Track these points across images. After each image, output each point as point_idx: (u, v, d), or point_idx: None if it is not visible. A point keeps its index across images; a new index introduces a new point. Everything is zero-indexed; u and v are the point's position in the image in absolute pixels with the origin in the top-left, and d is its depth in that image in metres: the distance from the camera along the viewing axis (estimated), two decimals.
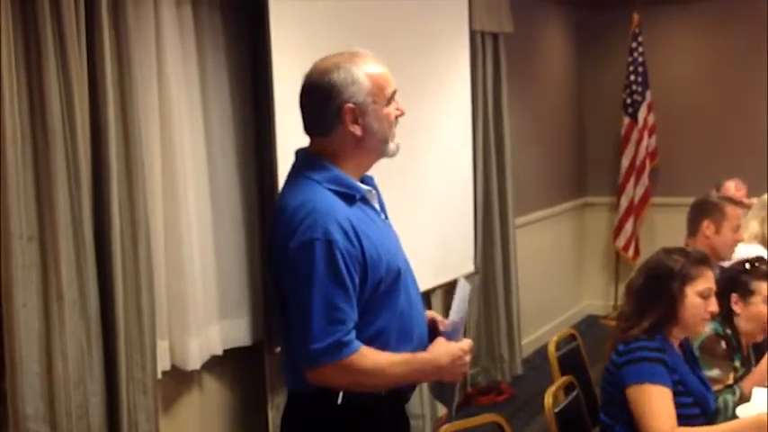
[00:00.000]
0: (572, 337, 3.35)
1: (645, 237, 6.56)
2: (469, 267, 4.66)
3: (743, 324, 2.87)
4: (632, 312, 2.55)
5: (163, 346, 3.03)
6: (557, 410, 2.63)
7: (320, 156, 1.98)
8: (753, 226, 3.72)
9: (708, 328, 2.75)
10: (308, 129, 2.02)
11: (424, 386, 4.14)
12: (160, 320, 2.99)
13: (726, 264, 3.30)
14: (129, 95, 2.75)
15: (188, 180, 3.07)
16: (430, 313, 2.22)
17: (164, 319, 3.04)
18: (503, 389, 5.07)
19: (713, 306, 2.54)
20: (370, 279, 1.92)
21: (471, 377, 4.95)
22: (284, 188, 2.02)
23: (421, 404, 4.12)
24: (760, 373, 2.76)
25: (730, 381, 2.81)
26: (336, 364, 1.86)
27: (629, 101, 6.38)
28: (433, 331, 2.15)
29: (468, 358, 2.03)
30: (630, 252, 6.54)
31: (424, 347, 2.05)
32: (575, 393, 2.84)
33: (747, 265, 2.90)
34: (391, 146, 2.02)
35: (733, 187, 4.91)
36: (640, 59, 6.30)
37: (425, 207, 4.16)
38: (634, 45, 6.30)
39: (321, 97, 1.94)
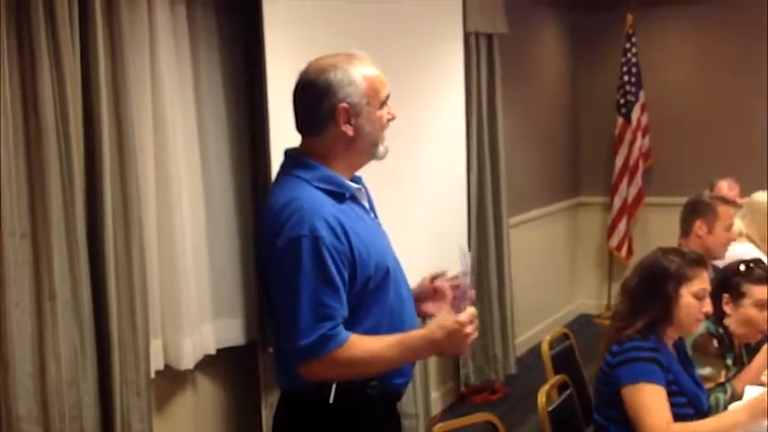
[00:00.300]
0: (565, 336, 3.36)
1: (638, 236, 6.58)
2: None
3: (733, 325, 2.88)
4: (627, 312, 2.55)
5: (156, 346, 3.03)
6: (550, 409, 2.63)
7: (310, 155, 1.99)
8: (737, 223, 3.73)
9: (700, 327, 2.76)
10: (301, 127, 2.02)
11: (418, 386, 4.15)
12: (153, 320, 2.98)
13: (719, 263, 3.32)
14: (122, 95, 2.75)
15: (181, 180, 3.07)
16: (427, 281, 2.24)
17: (157, 319, 3.04)
18: (496, 388, 5.08)
19: (707, 307, 2.55)
20: (359, 276, 1.93)
21: (464, 376, 4.95)
22: (272, 187, 2.03)
23: (415, 403, 4.12)
24: (752, 372, 2.77)
25: (722, 379, 2.82)
26: (324, 358, 1.87)
27: (622, 101, 6.40)
28: (425, 298, 2.19)
29: (469, 329, 1.93)
30: (624, 252, 6.55)
31: None
32: (568, 392, 2.85)
33: (742, 267, 2.90)
34: (381, 148, 2.03)
35: (726, 187, 4.93)
36: (634, 60, 6.32)
37: (419, 207, 4.16)
38: (627, 46, 6.32)
39: (316, 95, 1.95)
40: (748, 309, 2.84)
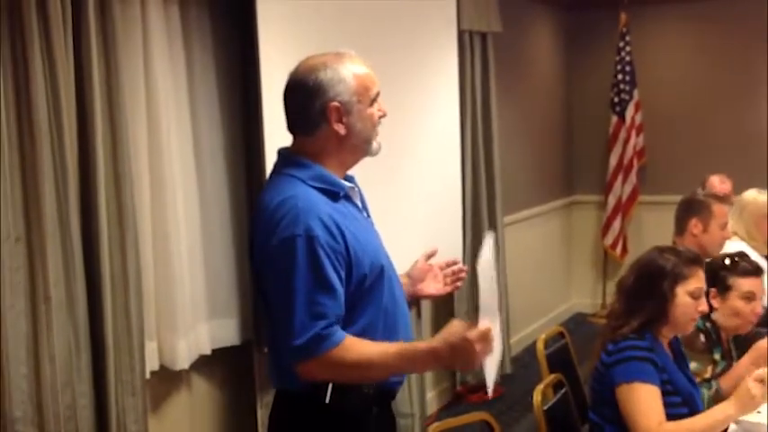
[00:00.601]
0: (560, 335, 3.37)
1: (633, 235, 6.59)
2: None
3: (721, 319, 2.89)
4: (622, 311, 2.55)
5: (151, 347, 3.02)
6: (545, 408, 2.63)
7: (303, 154, 1.99)
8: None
9: None
10: (292, 127, 2.02)
11: (414, 385, 4.15)
12: (148, 320, 2.98)
13: None
14: (116, 96, 2.74)
15: (176, 180, 3.07)
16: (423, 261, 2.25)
17: (152, 320, 3.04)
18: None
19: (703, 306, 2.54)
20: (354, 275, 1.93)
21: (460, 375, 4.96)
22: (266, 186, 2.02)
23: (410, 403, 4.12)
24: (738, 372, 2.77)
25: (708, 375, 2.83)
26: (319, 358, 1.86)
27: (616, 100, 6.41)
28: (422, 279, 2.20)
29: (478, 347, 1.80)
30: (618, 250, 6.57)
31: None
32: (563, 391, 2.85)
33: (727, 261, 2.92)
34: (374, 145, 2.03)
35: (717, 181, 4.94)
36: (628, 58, 6.33)
37: (414, 206, 4.16)
38: (621, 44, 6.33)
39: (306, 95, 1.95)
40: (735, 301, 2.86)
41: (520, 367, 5.41)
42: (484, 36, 4.94)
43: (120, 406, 2.77)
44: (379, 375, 1.98)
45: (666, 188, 6.14)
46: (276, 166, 2.04)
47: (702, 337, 2.87)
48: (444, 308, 4.82)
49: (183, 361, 3.11)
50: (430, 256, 2.29)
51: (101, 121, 2.69)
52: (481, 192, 4.96)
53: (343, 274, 1.90)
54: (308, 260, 1.85)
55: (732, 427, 2.45)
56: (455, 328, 1.86)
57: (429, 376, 4.63)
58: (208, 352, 3.27)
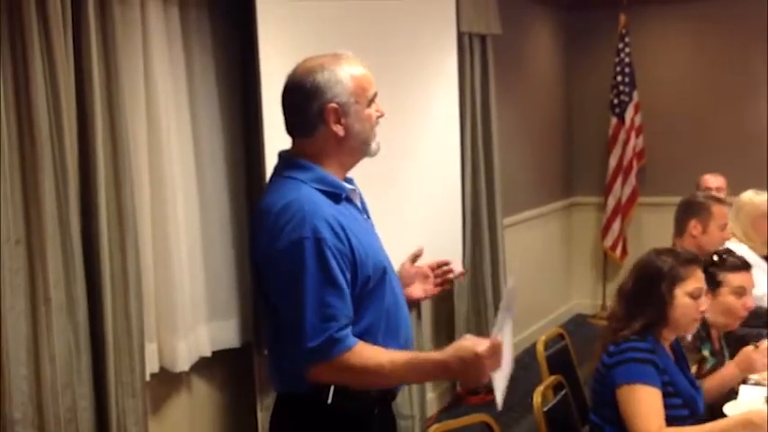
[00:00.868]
0: (560, 337, 3.37)
1: (632, 236, 6.59)
2: (458, 268, 4.66)
3: (710, 316, 2.88)
4: (623, 314, 2.54)
5: (151, 349, 3.02)
6: (545, 409, 2.63)
7: (303, 156, 1.99)
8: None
9: None
10: (291, 129, 2.03)
11: (414, 387, 4.15)
12: (148, 322, 2.98)
13: None
14: (116, 98, 2.74)
15: (176, 182, 3.07)
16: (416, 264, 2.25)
17: (152, 321, 3.04)
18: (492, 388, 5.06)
19: (704, 306, 2.54)
20: (359, 276, 1.93)
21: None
22: (267, 190, 2.02)
23: (410, 404, 4.12)
24: (722, 378, 2.76)
25: (692, 372, 2.83)
26: (331, 362, 1.86)
27: (616, 101, 6.41)
28: (410, 282, 2.20)
29: (488, 362, 1.82)
30: (618, 252, 6.57)
31: (409, 344, 2.07)
32: (563, 392, 2.85)
33: (716, 257, 2.92)
34: (373, 146, 2.04)
35: (711, 180, 4.94)
36: (627, 60, 6.34)
37: (414, 208, 4.16)
38: (621, 46, 6.33)
39: (304, 97, 1.95)
40: (726, 297, 2.87)
41: (520, 368, 5.33)
42: (483, 38, 4.94)
43: (120, 408, 2.77)
44: (386, 383, 1.98)
45: (666, 189, 6.14)
46: (277, 168, 2.05)
47: (689, 336, 2.87)
48: (444, 308, 4.82)
49: (183, 363, 3.11)
50: (416, 257, 2.28)
51: (101, 123, 2.70)
52: (481, 193, 4.96)
53: (348, 275, 1.91)
54: (317, 262, 1.85)
55: None
56: (466, 342, 1.86)
57: None
58: (208, 354, 3.27)
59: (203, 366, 3.29)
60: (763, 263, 3.81)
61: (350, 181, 2.09)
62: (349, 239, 1.91)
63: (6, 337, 2.44)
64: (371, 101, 2.01)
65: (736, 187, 4.78)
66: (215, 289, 3.33)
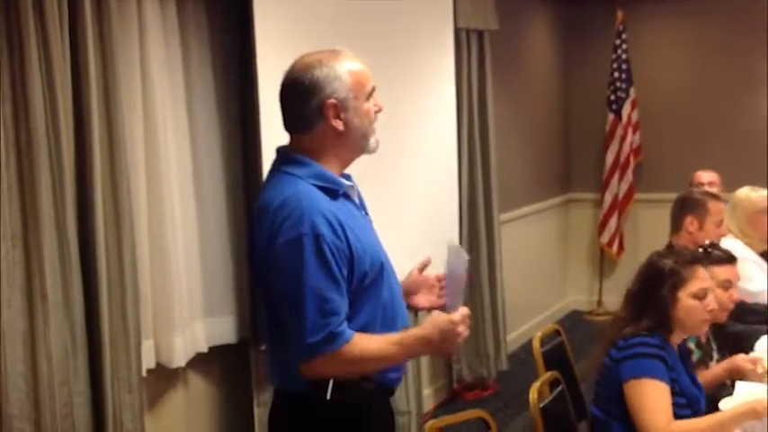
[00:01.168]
0: (556, 333, 3.37)
1: (629, 233, 6.60)
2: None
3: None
4: (628, 316, 2.50)
5: (148, 345, 3.02)
6: (542, 405, 2.64)
7: (301, 152, 2.00)
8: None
9: None
10: (289, 125, 2.03)
11: (411, 383, 4.15)
12: (145, 318, 2.98)
13: None
14: (112, 93, 2.74)
15: (172, 178, 3.07)
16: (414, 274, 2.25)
17: (148, 318, 3.04)
18: (488, 384, 5.09)
19: (712, 305, 2.49)
20: (356, 272, 1.94)
21: (457, 372, 4.96)
22: (265, 185, 2.02)
23: (407, 400, 4.13)
24: (710, 376, 2.77)
25: None
26: (331, 355, 1.88)
27: (613, 97, 6.41)
28: (415, 291, 2.20)
29: (461, 328, 1.95)
30: (615, 248, 6.57)
31: None
32: (559, 389, 2.86)
33: (701, 251, 2.90)
34: (372, 141, 2.04)
35: (704, 176, 4.95)
36: (624, 56, 6.34)
37: (410, 204, 4.16)
38: (618, 42, 6.33)
39: (303, 93, 1.95)
40: (714, 291, 2.85)
41: (516, 365, 5.41)
42: (480, 34, 4.94)
43: (116, 404, 2.77)
44: (381, 366, 2.01)
45: (663, 186, 6.14)
46: (274, 164, 2.05)
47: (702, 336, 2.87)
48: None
49: (179, 359, 3.11)
50: (424, 266, 2.28)
51: (97, 119, 2.69)
52: (478, 189, 4.96)
53: (345, 271, 1.92)
54: (316, 258, 1.86)
55: None
56: (438, 316, 1.99)
57: (425, 373, 4.63)
58: (204, 350, 3.27)
59: (200, 362, 3.29)
60: (759, 259, 3.82)
61: (348, 177, 2.09)
62: (346, 236, 1.92)
63: (3, 334, 2.44)
64: (370, 96, 2.01)
65: (733, 184, 4.80)
66: (211, 285, 3.32)
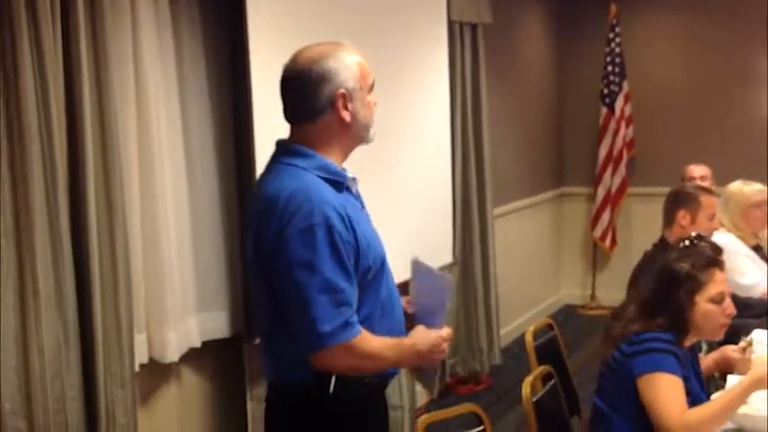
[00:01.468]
0: (549, 327, 3.37)
1: (622, 227, 6.62)
2: (448, 258, 4.68)
3: None
4: (640, 319, 2.44)
5: (140, 339, 3.02)
6: (534, 400, 2.64)
7: (305, 143, 1.99)
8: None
9: None
10: (293, 116, 2.01)
11: (403, 377, 4.15)
12: (138, 313, 2.97)
13: None
14: (105, 87, 2.73)
15: (165, 172, 3.06)
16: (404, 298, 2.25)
17: (141, 312, 3.03)
18: (481, 378, 5.09)
19: (731, 309, 2.44)
20: (361, 266, 1.94)
21: (450, 367, 4.97)
22: (268, 178, 1.99)
23: (400, 395, 4.13)
24: (703, 367, 2.77)
25: None
26: (343, 345, 1.88)
27: (606, 91, 6.42)
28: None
29: (445, 346, 2.06)
30: (607, 242, 6.59)
31: (401, 335, 2.07)
32: (552, 383, 2.86)
33: (687, 243, 2.89)
34: (371, 132, 2.05)
35: (695, 170, 4.96)
36: (617, 50, 6.34)
37: (404, 198, 4.16)
38: (611, 36, 6.34)
39: (314, 83, 1.95)
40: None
41: (509, 359, 5.42)
42: (474, 27, 4.93)
43: (109, 398, 2.77)
44: (377, 367, 2.02)
45: (655, 180, 6.16)
46: (275, 155, 2.03)
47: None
48: None
49: (172, 353, 3.10)
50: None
51: (90, 113, 2.68)
52: (471, 183, 4.96)
53: (352, 263, 1.92)
54: (329, 248, 1.86)
55: (728, 424, 2.41)
56: (423, 331, 2.06)
57: None
58: (197, 344, 3.26)
59: (193, 357, 3.29)
60: (751, 252, 3.83)
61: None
62: (354, 229, 1.92)
63: None
64: (371, 88, 2.03)
65: (725, 178, 4.81)
66: (205, 279, 3.32)
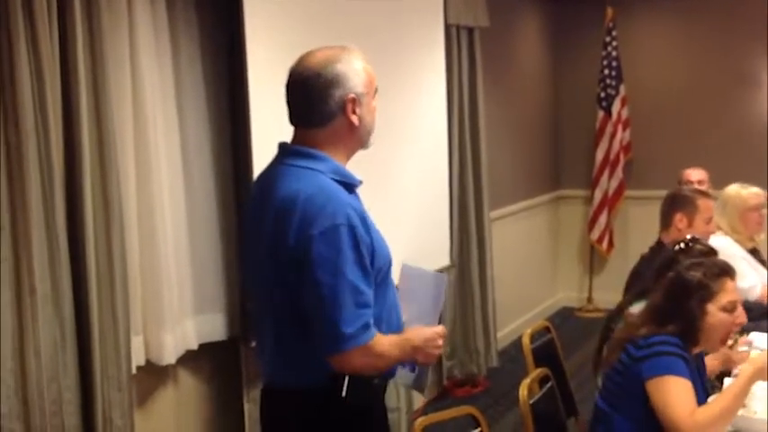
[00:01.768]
0: (546, 330, 3.37)
1: (619, 229, 6.62)
2: (445, 261, 4.68)
3: None
4: (648, 324, 2.43)
5: (137, 342, 3.01)
6: (531, 402, 2.64)
7: (312, 146, 1.99)
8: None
9: (639, 306, 2.71)
10: (301, 119, 2.01)
11: (399, 379, 4.15)
12: (135, 315, 2.97)
13: None
14: (102, 89, 2.73)
15: (162, 174, 3.05)
16: None
17: (138, 314, 3.03)
18: (478, 381, 5.09)
19: (742, 317, 2.44)
20: (375, 268, 1.95)
21: (447, 369, 4.97)
22: (278, 180, 1.97)
23: (397, 397, 4.13)
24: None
25: None
26: (363, 346, 1.89)
27: (603, 95, 6.43)
28: None
29: (440, 342, 2.08)
30: (604, 245, 6.59)
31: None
32: (549, 385, 2.86)
33: (682, 245, 2.87)
34: (372, 137, 2.07)
35: (693, 174, 4.97)
36: (614, 54, 6.35)
37: (401, 201, 4.16)
38: (608, 39, 6.35)
39: (325, 86, 1.95)
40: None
41: (506, 361, 5.42)
42: (471, 30, 4.94)
43: (105, 401, 2.76)
44: (387, 365, 2.04)
45: (652, 183, 6.17)
46: (282, 158, 2.02)
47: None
48: None
49: (169, 356, 3.10)
50: None
51: (86, 114, 2.68)
52: (468, 186, 4.96)
53: (369, 264, 1.93)
54: (352, 249, 1.87)
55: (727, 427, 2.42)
56: (418, 327, 2.08)
57: None
58: (194, 347, 3.26)
59: (190, 359, 3.28)
60: (748, 255, 3.83)
61: None
62: (369, 231, 1.93)
63: None
64: (375, 93, 2.04)
65: (723, 181, 4.82)
66: (202, 282, 3.32)
